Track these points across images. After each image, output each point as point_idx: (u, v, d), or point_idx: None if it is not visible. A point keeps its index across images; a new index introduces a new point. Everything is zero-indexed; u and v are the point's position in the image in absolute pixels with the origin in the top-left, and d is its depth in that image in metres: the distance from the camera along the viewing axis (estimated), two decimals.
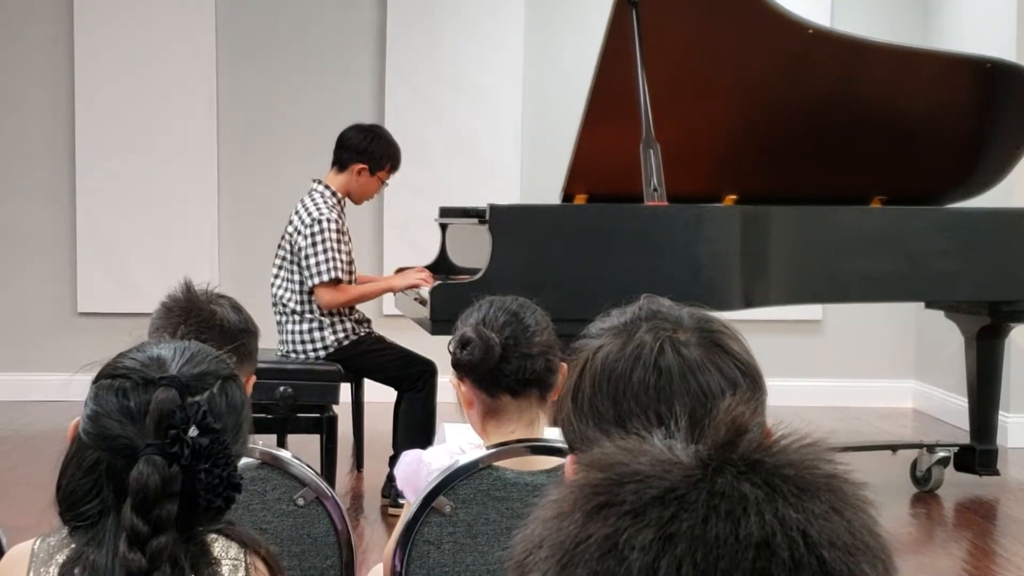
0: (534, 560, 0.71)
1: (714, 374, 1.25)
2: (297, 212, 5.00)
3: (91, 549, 1.38)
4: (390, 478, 4.76)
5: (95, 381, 1.44)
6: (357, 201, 5.13)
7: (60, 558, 1.40)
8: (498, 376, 2.08)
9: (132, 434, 1.37)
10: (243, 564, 1.45)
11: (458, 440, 2.15)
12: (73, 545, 1.40)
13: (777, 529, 0.67)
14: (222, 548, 1.44)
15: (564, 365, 1.98)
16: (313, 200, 4.97)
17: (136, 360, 1.43)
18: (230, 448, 1.38)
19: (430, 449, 2.15)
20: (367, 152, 5.00)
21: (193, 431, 1.35)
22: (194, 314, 2.17)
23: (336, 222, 4.90)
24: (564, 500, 0.72)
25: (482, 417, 2.12)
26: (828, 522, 0.68)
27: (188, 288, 2.23)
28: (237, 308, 2.25)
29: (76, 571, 1.37)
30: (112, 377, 1.42)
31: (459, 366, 2.10)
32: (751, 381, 1.27)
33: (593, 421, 1.25)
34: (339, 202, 5.01)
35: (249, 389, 2.23)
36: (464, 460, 1.96)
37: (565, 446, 1.33)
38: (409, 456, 2.14)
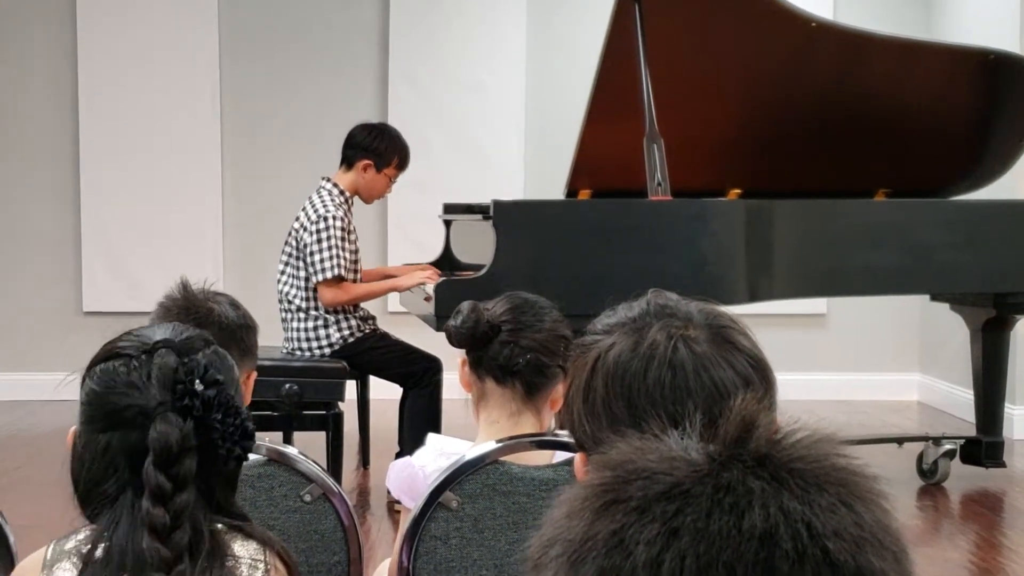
0: (547, 559, 0.72)
1: (727, 370, 1.25)
2: (304, 209, 5.00)
3: (111, 528, 1.39)
4: None
5: (88, 369, 1.47)
6: (366, 200, 5.13)
7: (75, 559, 1.40)
8: (483, 358, 2.12)
9: (141, 401, 1.40)
10: (263, 562, 1.46)
11: (440, 445, 2.16)
12: (92, 533, 1.41)
13: (780, 521, 0.67)
14: (242, 546, 1.45)
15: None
16: (320, 197, 4.97)
17: (127, 341, 1.47)
18: (236, 399, 1.42)
19: (417, 454, 2.16)
20: (373, 148, 5.00)
21: (199, 385, 1.39)
22: (192, 312, 2.17)
23: (342, 220, 4.90)
24: (575, 499, 0.73)
25: (476, 401, 2.16)
26: (834, 514, 0.68)
27: (185, 287, 2.23)
28: (235, 304, 2.25)
29: (98, 552, 1.38)
30: (108, 359, 1.45)
31: (447, 334, 2.12)
32: (762, 376, 1.27)
33: (606, 421, 1.25)
34: (346, 200, 5.01)
35: (250, 385, 2.23)
36: (470, 455, 1.96)
37: (572, 441, 1.33)
38: (399, 464, 2.15)
